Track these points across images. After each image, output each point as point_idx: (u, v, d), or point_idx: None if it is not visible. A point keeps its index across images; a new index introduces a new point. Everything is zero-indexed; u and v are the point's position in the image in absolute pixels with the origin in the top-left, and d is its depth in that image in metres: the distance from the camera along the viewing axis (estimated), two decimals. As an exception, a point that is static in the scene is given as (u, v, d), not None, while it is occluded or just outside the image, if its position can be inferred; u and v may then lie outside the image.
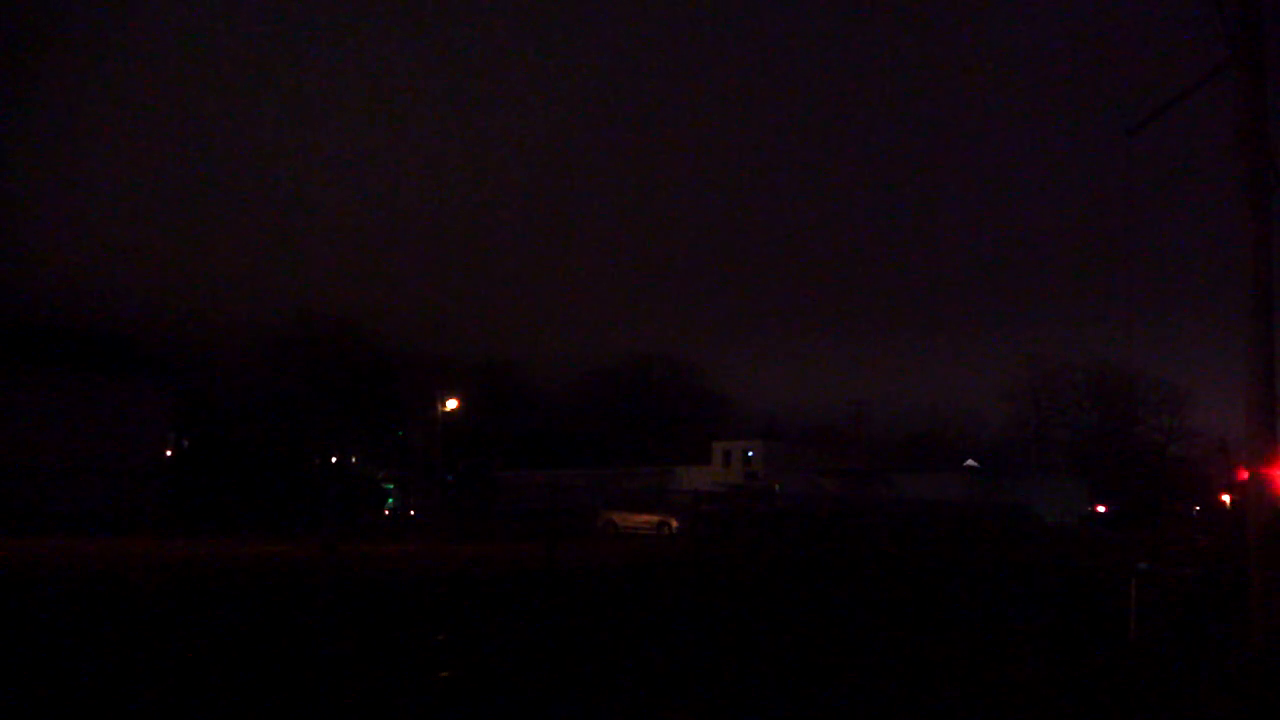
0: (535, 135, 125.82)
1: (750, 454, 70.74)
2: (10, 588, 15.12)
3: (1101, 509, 65.83)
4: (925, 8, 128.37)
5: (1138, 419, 72.78)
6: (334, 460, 64.34)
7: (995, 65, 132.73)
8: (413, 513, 56.92)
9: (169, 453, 50.64)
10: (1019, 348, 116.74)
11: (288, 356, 65.06)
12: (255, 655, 9.99)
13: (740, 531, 34.15)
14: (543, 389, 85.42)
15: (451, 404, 60.87)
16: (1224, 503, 66.59)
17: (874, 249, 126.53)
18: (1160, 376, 70.57)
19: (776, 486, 60.53)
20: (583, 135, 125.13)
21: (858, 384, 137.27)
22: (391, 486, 62.20)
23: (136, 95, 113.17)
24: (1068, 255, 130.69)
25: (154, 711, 7.75)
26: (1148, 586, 13.07)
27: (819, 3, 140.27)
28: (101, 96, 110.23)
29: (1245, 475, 10.97)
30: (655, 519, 38.78)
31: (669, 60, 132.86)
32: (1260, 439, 10.62)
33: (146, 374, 45.56)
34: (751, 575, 20.48)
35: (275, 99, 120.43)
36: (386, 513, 56.43)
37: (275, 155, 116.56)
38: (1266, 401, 10.61)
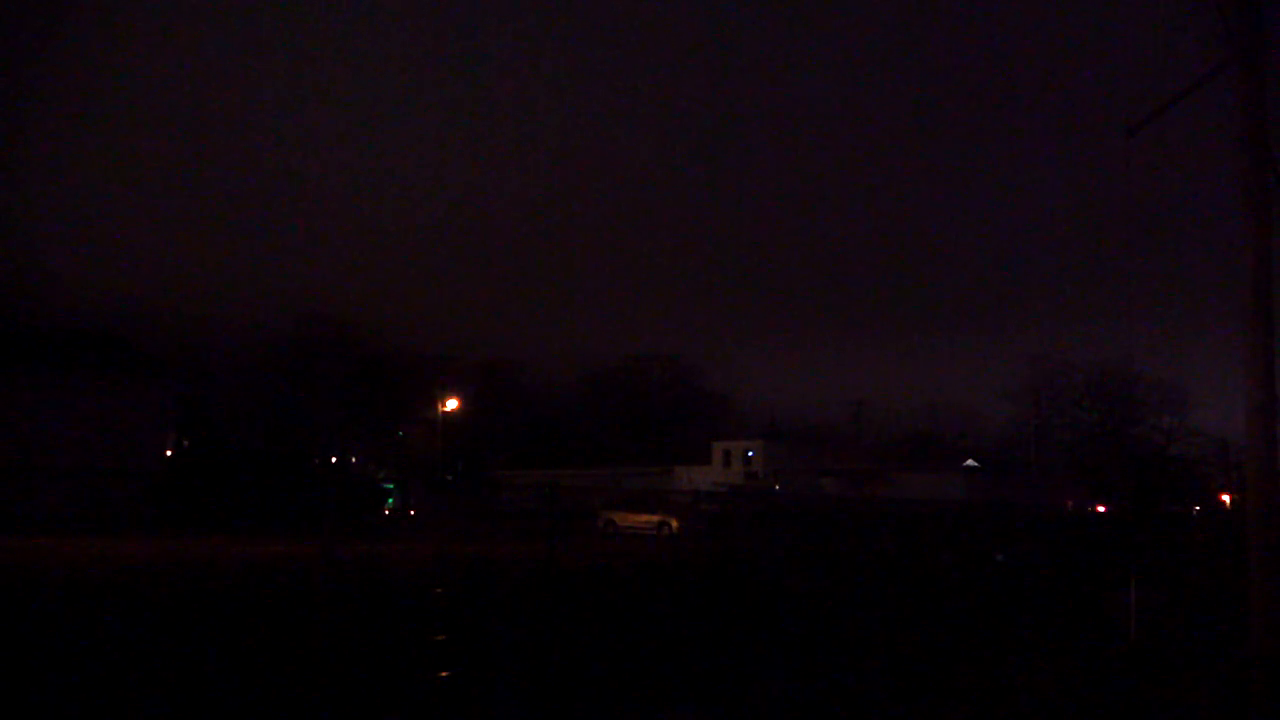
0: (535, 135, 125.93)
1: (750, 454, 70.71)
2: (11, 588, 15.12)
3: (1101, 509, 65.89)
4: (925, 7, 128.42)
5: (1138, 419, 72.74)
6: (334, 460, 64.34)
7: (996, 65, 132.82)
8: (413, 513, 56.97)
9: (169, 453, 50.66)
10: (1019, 348, 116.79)
11: (287, 356, 65.01)
12: (255, 655, 9.99)
13: (740, 531, 34.15)
14: (543, 389, 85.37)
15: (451, 404, 60.86)
16: (1224, 503, 66.61)
17: (874, 249, 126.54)
18: (1160, 376, 70.46)
19: (776, 486, 60.53)
20: (583, 135, 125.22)
21: (858, 384, 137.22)
22: (391, 486, 62.24)
23: (136, 95, 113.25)
24: (1068, 255, 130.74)
25: (156, 711, 7.74)
26: (1148, 586, 13.08)
27: (819, 3, 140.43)
28: (101, 97, 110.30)
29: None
30: (655, 519, 38.78)
31: (669, 60, 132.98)
32: (1260, 440, 10.61)
33: (146, 374, 45.57)
34: (751, 575, 20.47)
35: (275, 98, 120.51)
36: (386, 513, 56.44)
37: (275, 155, 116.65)
38: (1266, 402, 10.61)
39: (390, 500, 60.17)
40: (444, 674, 9.39)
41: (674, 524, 38.06)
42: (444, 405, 60.16)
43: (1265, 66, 10.75)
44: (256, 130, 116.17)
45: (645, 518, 39.08)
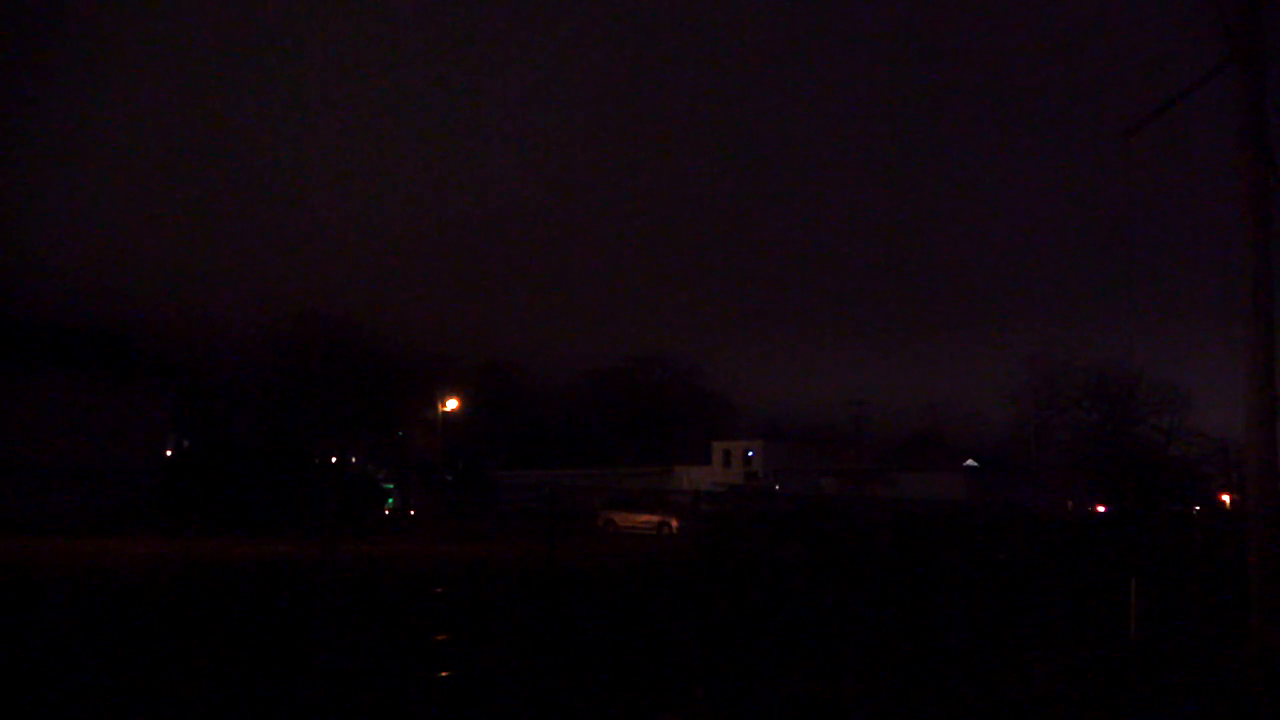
0: (536, 135, 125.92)
1: (750, 454, 70.74)
2: (12, 588, 15.12)
3: (1101, 509, 65.90)
4: (925, 7, 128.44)
5: (1138, 419, 72.69)
6: (334, 460, 64.33)
7: (995, 65, 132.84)
8: (413, 513, 56.95)
9: (169, 453, 50.60)
10: (1019, 348, 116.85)
11: (287, 356, 64.99)
12: (256, 656, 9.98)
13: (740, 532, 34.14)
14: (543, 389, 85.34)
15: (451, 404, 60.83)
16: (1224, 503, 66.62)
17: (875, 249, 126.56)
18: (1160, 377, 70.44)
19: (776, 486, 60.52)
20: (582, 135, 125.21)
21: (858, 384, 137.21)
22: (391, 486, 62.22)
23: (136, 94, 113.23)
24: (1068, 255, 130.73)
25: (156, 710, 7.75)
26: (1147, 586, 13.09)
27: (820, 4, 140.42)
28: (101, 95, 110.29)
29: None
30: (655, 519, 38.79)
31: (668, 61, 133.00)
32: (1260, 440, 10.61)
33: (145, 374, 45.52)
34: (751, 575, 20.47)
35: (276, 98, 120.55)
36: (387, 513, 56.42)
37: (276, 155, 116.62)
38: (1266, 402, 10.62)
39: (390, 500, 60.15)
40: (444, 674, 9.39)
41: (674, 524, 38.06)
42: (444, 405, 60.13)
43: (1265, 66, 10.76)
44: (257, 129, 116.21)
45: (645, 518, 39.10)
